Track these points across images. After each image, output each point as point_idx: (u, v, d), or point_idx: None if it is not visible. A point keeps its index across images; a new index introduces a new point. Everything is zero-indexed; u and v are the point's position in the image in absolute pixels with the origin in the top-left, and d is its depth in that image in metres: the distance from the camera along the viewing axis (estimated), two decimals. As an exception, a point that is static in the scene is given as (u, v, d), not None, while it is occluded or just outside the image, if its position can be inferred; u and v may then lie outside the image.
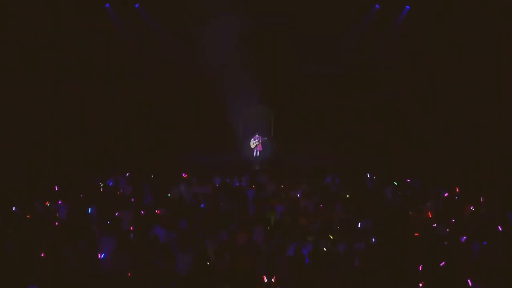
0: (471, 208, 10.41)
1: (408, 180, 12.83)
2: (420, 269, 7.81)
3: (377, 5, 15.82)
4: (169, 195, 11.51)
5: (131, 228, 9.55)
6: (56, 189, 11.51)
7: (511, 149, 13.25)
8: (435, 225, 9.66)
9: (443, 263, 7.88)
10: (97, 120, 15.11)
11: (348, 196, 11.60)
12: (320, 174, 13.32)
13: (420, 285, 7.46)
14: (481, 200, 10.83)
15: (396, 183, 12.20)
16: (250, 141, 16.37)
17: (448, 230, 9.37)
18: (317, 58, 17.14)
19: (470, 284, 7.35)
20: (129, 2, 15.82)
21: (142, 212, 10.19)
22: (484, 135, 14.10)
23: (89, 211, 10.06)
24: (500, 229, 9.28)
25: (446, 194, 11.35)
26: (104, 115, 15.19)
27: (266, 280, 7.44)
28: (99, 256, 8.13)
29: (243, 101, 18.66)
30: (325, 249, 8.57)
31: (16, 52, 12.89)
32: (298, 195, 11.55)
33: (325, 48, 17.08)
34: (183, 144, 16.52)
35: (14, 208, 9.86)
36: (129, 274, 7.66)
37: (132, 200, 10.94)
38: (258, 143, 16.33)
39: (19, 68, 13.15)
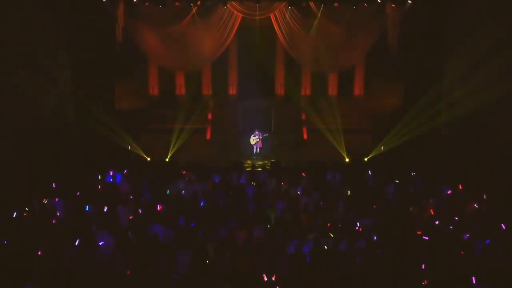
0: (475, 205, 10.31)
1: (414, 174, 12.73)
2: (423, 267, 7.72)
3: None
4: (168, 192, 11.40)
5: (130, 226, 9.47)
6: (54, 186, 11.41)
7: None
8: (437, 222, 9.56)
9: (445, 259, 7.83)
10: (95, 117, 14.96)
11: (349, 193, 11.48)
12: (321, 171, 13.20)
13: (424, 283, 7.38)
14: (484, 197, 10.73)
15: (398, 181, 12.07)
16: (250, 137, 16.25)
17: (451, 227, 9.28)
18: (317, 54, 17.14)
19: (474, 282, 7.27)
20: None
21: (140, 210, 10.09)
22: (487, 133, 14.00)
23: (87, 209, 9.95)
24: (503, 227, 9.19)
25: (449, 192, 11.24)
26: (101, 112, 15.04)
27: (266, 279, 7.35)
28: (98, 244, 8.07)
29: (244, 97, 18.63)
30: (326, 247, 8.48)
31: (13, 50, 12.77)
32: (299, 192, 11.43)
33: (325, 46, 17.04)
34: (183, 141, 16.44)
35: (12, 207, 9.75)
36: (128, 272, 7.57)
37: (131, 197, 10.83)
38: (258, 139, 16.22)
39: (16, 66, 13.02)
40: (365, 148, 16.07)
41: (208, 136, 17.62)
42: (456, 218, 9.79)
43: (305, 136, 17.66)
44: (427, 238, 8.84)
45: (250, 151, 16.27)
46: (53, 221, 9.52)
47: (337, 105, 17.63)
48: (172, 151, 15.83)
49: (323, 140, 16.59)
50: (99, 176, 12.29)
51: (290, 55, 17.75)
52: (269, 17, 16.63)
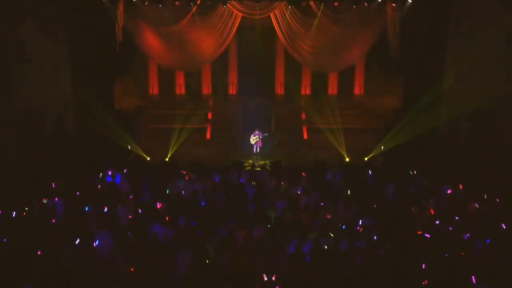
0: (475, 205, 10.29)
1: (415, 172, 12.71)
2: (423, 267, 7.71)
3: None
4: (168, 192, 11.38)
5: (130, 226, 9.45)
6: (53, 186, 11.40)
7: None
8: (437, 222, 9.55)
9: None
10: (95, 117, 14.95)
11: (349, 193, 11.47)
12: (321, 171, 13.19)
13: (424, 283, 7.37)
14: (485, 197, 10.72)
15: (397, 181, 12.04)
16: (250, 137, 16.25)
17: (451, 228, 9.26)
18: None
19: (474, 282, 7.26)
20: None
21: (140, 210, 10.07)
22: (487, 133, 13.98)
23: (86, 209, 9.93)
24: (504, 227, 9.18)
25: (449, 192, 11.23)
26: (101, 112, 15.04)
27: (266, 279, 7.33)
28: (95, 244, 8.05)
29: (244, 96, 18.63)
30: (326, 247, 8.47)
31: (12, 50, 12.76)
32: (299, 192, 11.41)
33: (325, 45, 17.04)
34: (183, 141, 16.44)
35: (12, 207, 9.73)
36: (128, 272, 7.55)
37: (131, 197, 10.81)
38: (258, 139, 16.21)
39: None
40: (365, 147, 16.07)
41: (208, 136, 17.61)
42: (457, 218, 9.77)
43: (305, 135, 17.66)
44: (428, 235, 8.82)
45: (250, 150, 16.26)
46: (53, 220, 9.51)
47: (337, 104, 17.65)
48: (172, 151, 15.83)
49: (323, 140, 16.59)
50: (100, 175, 12.28)
51: (290, 55, 17.75)
52: (269, 16, 16.62)
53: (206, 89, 19.47)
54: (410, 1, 15.11)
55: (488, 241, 8.55)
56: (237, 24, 16.63)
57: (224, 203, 10.67)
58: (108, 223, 9.25)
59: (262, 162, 15.73)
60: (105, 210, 9.87)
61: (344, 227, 9.51)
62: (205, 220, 9.64)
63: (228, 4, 15.98)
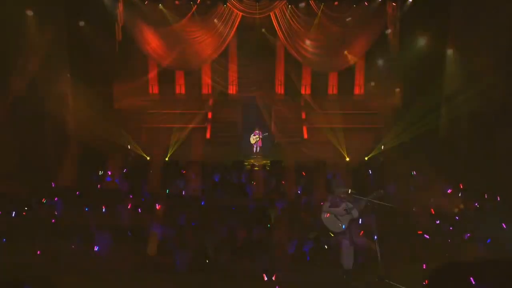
0: (476, 205, 10.29)
1: (414, 173, 12.70)
2: (424, 267, 7.71)
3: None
4: (167, 191, 11.38)
5: (129, 225, 9.44)
6: (53, 186, 11.40)
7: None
8: (438, 222, 9.54)
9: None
10: (94, 117, 14.94)
11: (350, 191, 11.43)
12: (321, 170, 13.17)
13: (424, 283, 7.36)
14: (485, 197, 10.70)
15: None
16: (250, 136, 16.24)
17: (451, 228, 9.26)
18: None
19: (473, 283, 7.25)
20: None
21: (140, 210, 10.07)
22: (487, 132, 13.95)
23: (86, 209, 9.93)
24: (504, 227, 9.16)
25: (449, 191, 11.22)
26: (101, 111, 15.02)
27: (266, 279, 7.33)
28: (94, 249, 8.05)
29: (244, 96, 18.64)
30: (326, 246, 8.46)
31: (12, 50, 12.75)
32: (299, 192, 11.41)
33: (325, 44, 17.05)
34: (182, 141, 16.44)
35: (11, 207, 9.73)
36: (126, 271, 7.56)
37: (131, 196, 10.81)
38: (258, 138, 16.20)
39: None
40: (365, 147, 16.06)
41: (208, 135, 17.61)
42: (457, 218, 9.76)
43: (305, 135, 17.65)
44: (428, 236, 8.82)
45: (250, 150, 16.25)
46: (53, 220, 9.51)
47: (337, 104, 17.65)
48: (172, 151, 15.81)
49: (323, 139, 16.58)
50: (99, 175, 12.27)
51: (290, 54, 17.75)
52: (269, 16, 16.63)
53: (206, 89, 19.46)
54: (410, 1, 15.10)
55: (488, 241, 8.55)
56: (237, 24, 16.64)
57: (224, 202, 10.66)
58: (107, 223, 9.25)
59: (262, 162, 15.72)
60: (104, 210, 9.86)
61: (344, 226, 9.49)
62: (205, 220, 9.63)
63: (228, 4, 15.99)
